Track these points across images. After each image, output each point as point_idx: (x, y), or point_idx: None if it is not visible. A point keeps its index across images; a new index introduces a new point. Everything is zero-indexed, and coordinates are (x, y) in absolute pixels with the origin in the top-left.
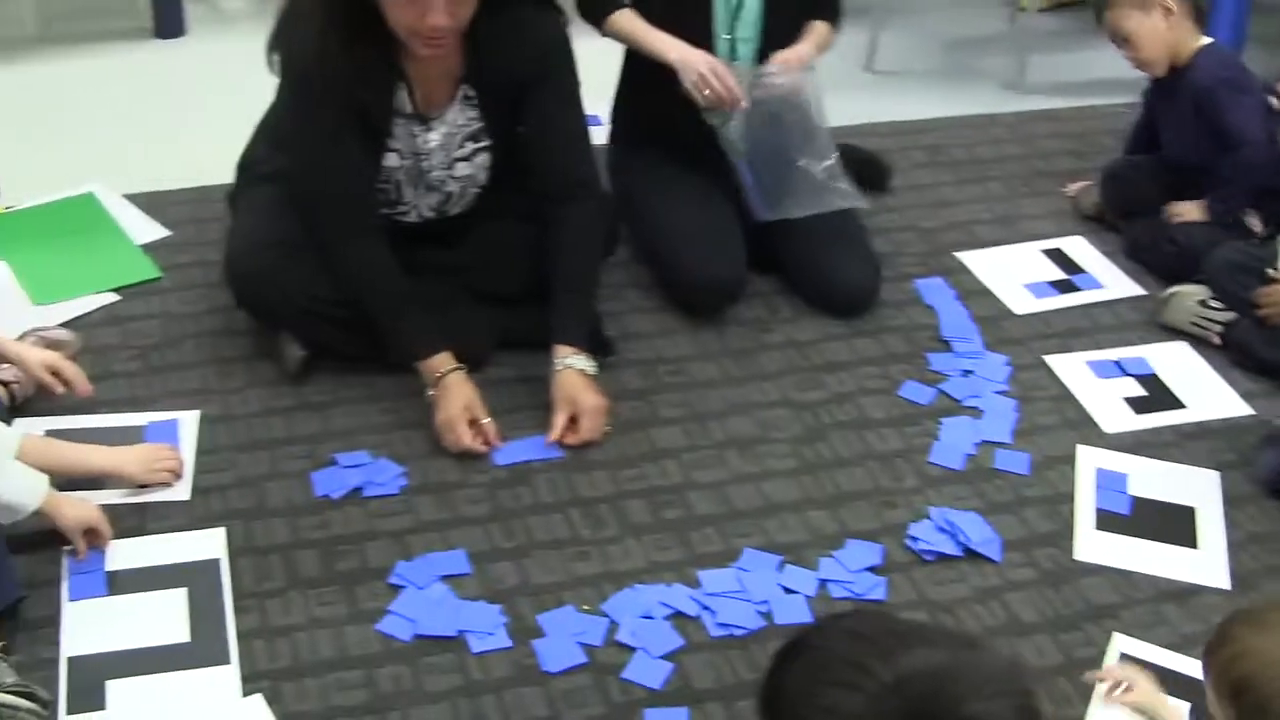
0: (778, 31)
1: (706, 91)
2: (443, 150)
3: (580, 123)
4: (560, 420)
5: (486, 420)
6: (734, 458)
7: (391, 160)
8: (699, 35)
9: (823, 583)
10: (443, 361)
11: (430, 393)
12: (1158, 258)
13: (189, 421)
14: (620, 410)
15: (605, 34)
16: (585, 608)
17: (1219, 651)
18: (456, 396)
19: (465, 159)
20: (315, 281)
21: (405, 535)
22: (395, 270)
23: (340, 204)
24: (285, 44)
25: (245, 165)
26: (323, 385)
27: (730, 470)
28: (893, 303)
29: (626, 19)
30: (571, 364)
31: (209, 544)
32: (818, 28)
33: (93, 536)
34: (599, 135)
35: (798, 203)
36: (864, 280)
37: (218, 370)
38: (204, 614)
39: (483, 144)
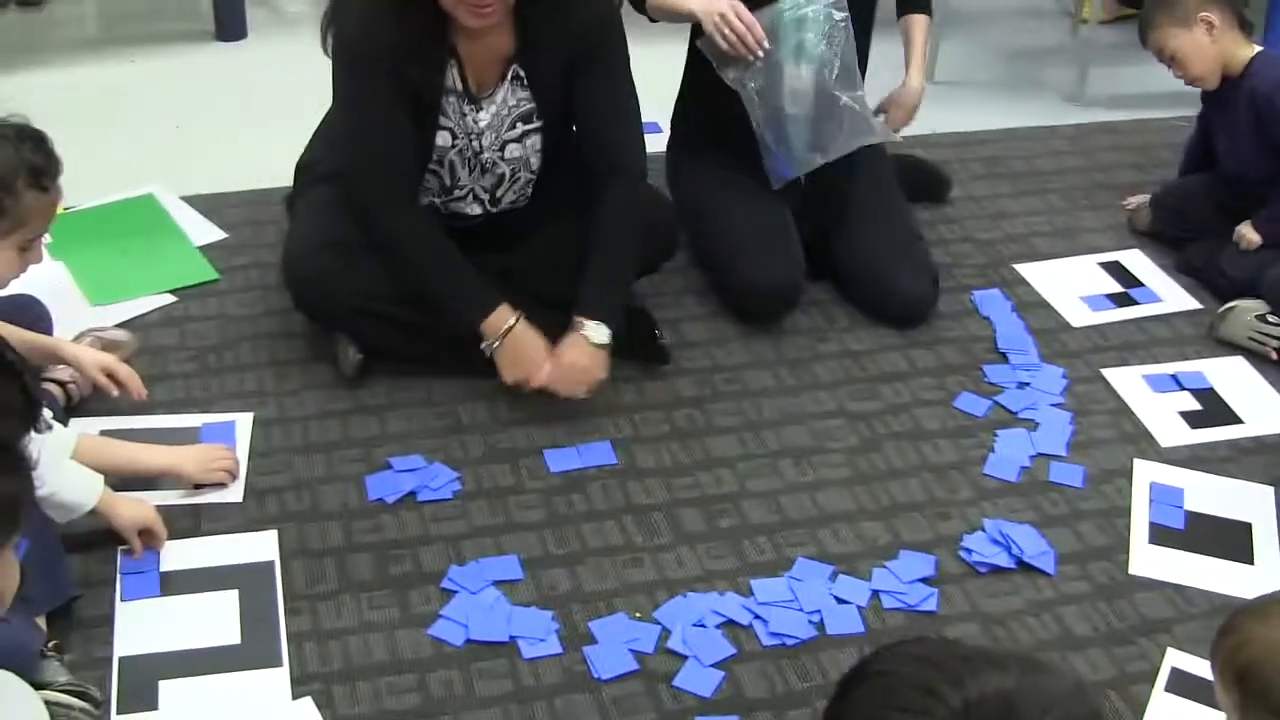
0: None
1: (727, 31)
2: (493, 130)
3: (627, 101)
4: (539, 375)
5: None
6: (788, 467)
7: (443, 139)
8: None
9: (875, 593)
10: (505, 315)
11: (495, 345)
12: (1210, 282)
13: (244, 423)
14: (675, 418)
15: (651, 16)
16: (637, 615)
17: (1224, 641)
18: (533, 346)
19: (516, 140)
20: (372, 282)
21: (458, 540)
22: (443, 235)
23: (389, 174)
24: (338, 21)
25: (303, 167)
26: (378, 389)
27: (784, 479)
28: (950, 314)
29: None
30: (583, 333)
31: (262, 546)
32: (917, 30)
33: (148, 537)
34: (658, 142)
35: (836, 143)
36: (921, 291)
37: (274, 372)
38: (256, 616)
39: (533, 125)
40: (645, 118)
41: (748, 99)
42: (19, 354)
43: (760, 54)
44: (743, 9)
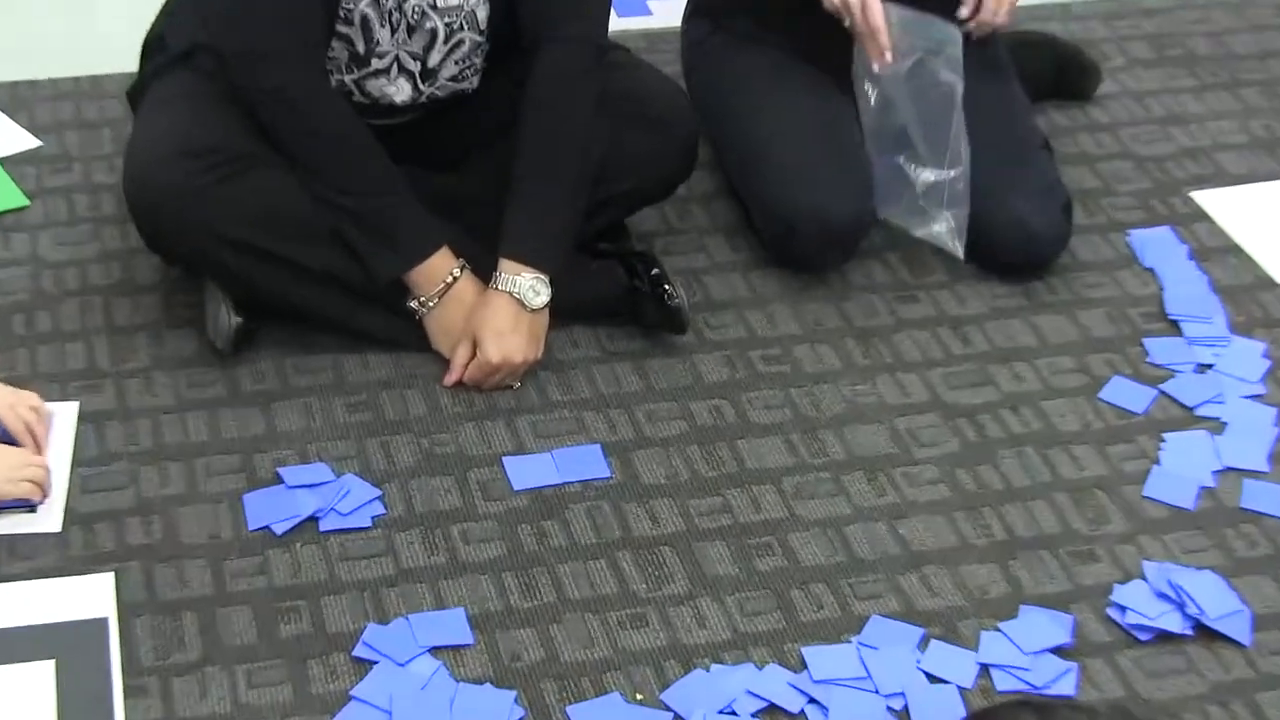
0: None
1: (847, 22)
2: None
3: None
4: (460, 356)
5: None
6: (858, 484)
7: None
8: None
9: (984, 668)
10: (445, 262)
11: (430, 305)
12: None
13: (65, 417)
14: (694, 413)
15: None
16: (639, 697)
17: None
18: (478, 310)
19: None
20: (261, 206)
21: (379, 588)
22: (368, 133)
23: (282, 13)
24: None
25: (154, 44)
26: (265, 367)
27: (852, 502)
28: (1095, 263)
29: None
30: (508, 286)
31: (91, 597)
32: None
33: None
34: (670, 12)
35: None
36: (1047, 224)
37: (110, 343)
38: (80, 700)
39: None
40: None
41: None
42: None
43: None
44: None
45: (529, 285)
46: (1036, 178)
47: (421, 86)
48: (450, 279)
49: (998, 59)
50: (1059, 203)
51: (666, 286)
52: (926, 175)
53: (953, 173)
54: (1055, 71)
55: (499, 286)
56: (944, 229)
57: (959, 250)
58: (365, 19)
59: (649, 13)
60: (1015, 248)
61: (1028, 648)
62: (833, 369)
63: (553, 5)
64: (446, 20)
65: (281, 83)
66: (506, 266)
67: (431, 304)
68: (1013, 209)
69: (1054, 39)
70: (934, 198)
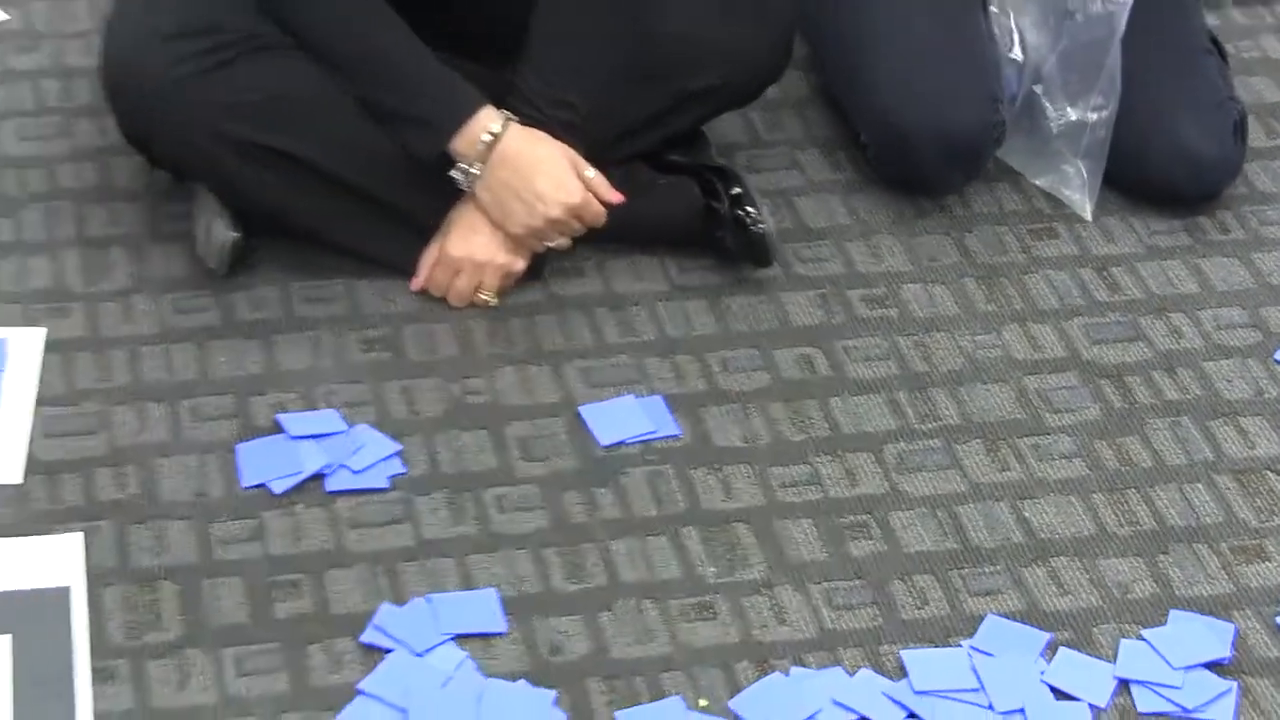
0: None
1: None
2: None
3: None
4: (431, 253)
5: (590, 172)
6: (976, 454)
7: None
8: None
9: (1123, 684)
10: (489, 116)
11: (474, 172)
12: None
13: (27, 345)
14: (779, 361)
15: None
16: (703, 704)
17: None
18: (548, 155)
19: None
20: (265, 91)
21: (396, 561)
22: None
23: None
24: None
25: None
26: (266, 291)
27: (968, 476)
28: (1275, 194)
29: None
30: (522, 125)
31: (53, 561)
32: None
33: None
34: None
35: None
36: (1214, 149)
37: (82, 258)
38: (38, 682)
39: None
40: None
41: None
42: None
43: None
44: None
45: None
46: (1203, 90)
47: None
48: (493, 133)
49: None
50: (1230, 120)
51: (750, 209)
52: (1067, 112)
53: (1096, 116)
54: None
55: (493, 130)
56: (1074, 181)
57: (1087, 210)
58: None
59: None
60: (1176, 175)
61: (1177, 661)
62: (949, 315)
63: None
64: None
65: None
66: (525, 101)
67: (473, 170)
68: (1173, 128)
69: None
70: (1069, 141)
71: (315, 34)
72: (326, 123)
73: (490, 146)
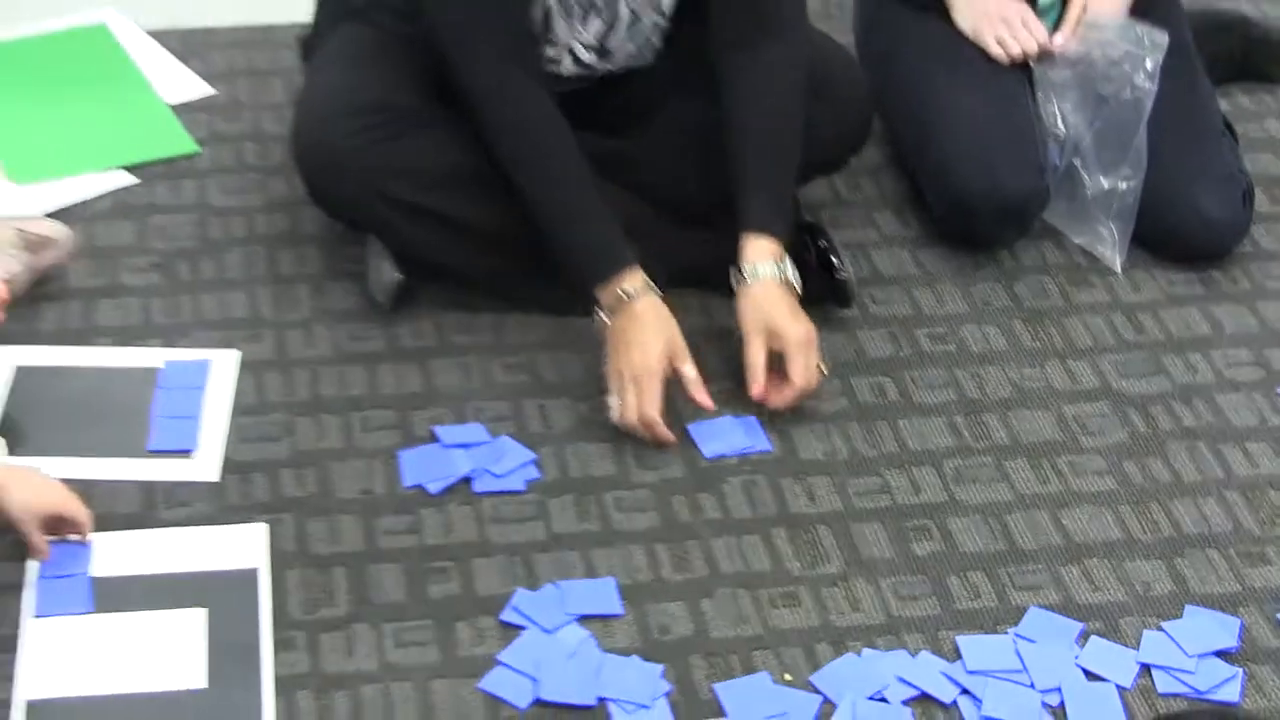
0: None
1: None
2: None
3: None
4: (758, 359)
5: (690, 371)
6: (1021, 470)
7: None
8: None
9: (1145, 668)
10: (633, 278)
11: (606, 320)
12: None
13: (225, 365)
14: (856, 389)
15: None
16: (787, 678)
17: None
18: (656, 332)
19: None
20: (429, 164)
21: (531, 553)
22: (573, 139)
23: (497, 30)
24: None
25: None
26: (424, 325)
27: (1014, 489)
28: (1277, 253)
29: None
30: (767, 271)
31: (243, 547)
32: None
33: (61, 526)
34: None
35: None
36: (1226, 215)
37: (273, 293)
38: (229, 650)
39: None
40: None
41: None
42: None
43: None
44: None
45: (782, 269)
46: (1217, 165)
47: (591, 64)
48: (630, 295)
49: (1181, 40)
50: (1240, 190)
51: (834, 259)
52: (1100, 181)
53: (1125, 185)
54: (1243, 54)
55: (759, 272)
56: (1106, 239)
57: (1117, 264)
58: (548, 11)
59: None
60: (1193, 236)
61: (1192, 650)
62: (1000, 350)
63: (754, 3)
64: (632, 10)
65: (485, 79)
66: (755, 250)
67: (607, 318)
68: (1191, 197)
69: (1244, 19)
70: (1103, 206)
71: (511, 168)
72: (479, 191)
73: (622, 302)
